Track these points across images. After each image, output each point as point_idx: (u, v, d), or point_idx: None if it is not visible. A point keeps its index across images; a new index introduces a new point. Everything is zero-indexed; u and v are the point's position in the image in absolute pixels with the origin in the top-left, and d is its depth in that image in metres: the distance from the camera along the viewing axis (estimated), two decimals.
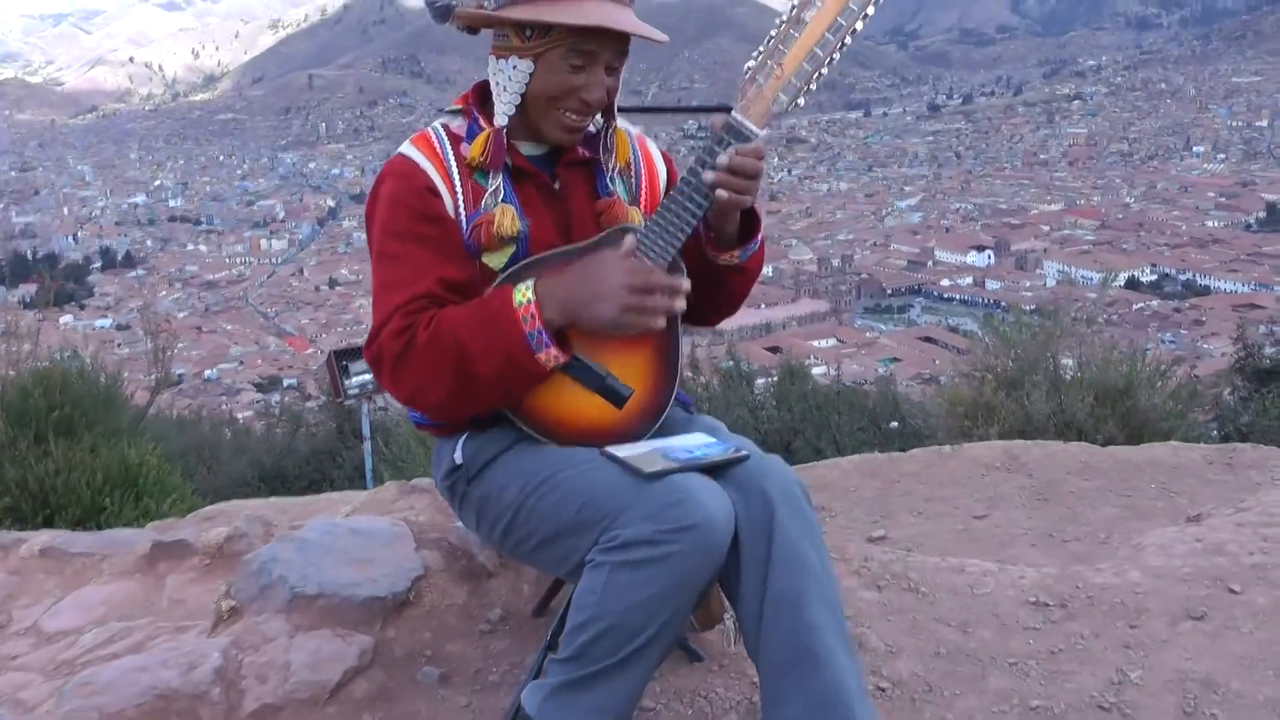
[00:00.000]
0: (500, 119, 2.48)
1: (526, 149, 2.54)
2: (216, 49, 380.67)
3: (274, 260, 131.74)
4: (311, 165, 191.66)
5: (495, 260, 2.45)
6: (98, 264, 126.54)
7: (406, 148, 2.52)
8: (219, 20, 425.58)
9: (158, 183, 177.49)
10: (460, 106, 2.59)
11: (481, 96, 2.58)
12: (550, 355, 2.31)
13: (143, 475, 7.13)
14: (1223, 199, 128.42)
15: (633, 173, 2.67)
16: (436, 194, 2.45)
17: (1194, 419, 7.76)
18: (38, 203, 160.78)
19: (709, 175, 2.31)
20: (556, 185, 2.55)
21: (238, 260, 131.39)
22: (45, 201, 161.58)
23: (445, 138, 2.53)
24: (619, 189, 2.61)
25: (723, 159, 2.30)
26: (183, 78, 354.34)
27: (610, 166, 2.61)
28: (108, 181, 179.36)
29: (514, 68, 2.44)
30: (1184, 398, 7.41)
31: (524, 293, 2.30)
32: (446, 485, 2.60)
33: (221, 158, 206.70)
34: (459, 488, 2.55)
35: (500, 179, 2.48)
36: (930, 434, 7.90)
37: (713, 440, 2.42)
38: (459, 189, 2.47)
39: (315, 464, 12.13)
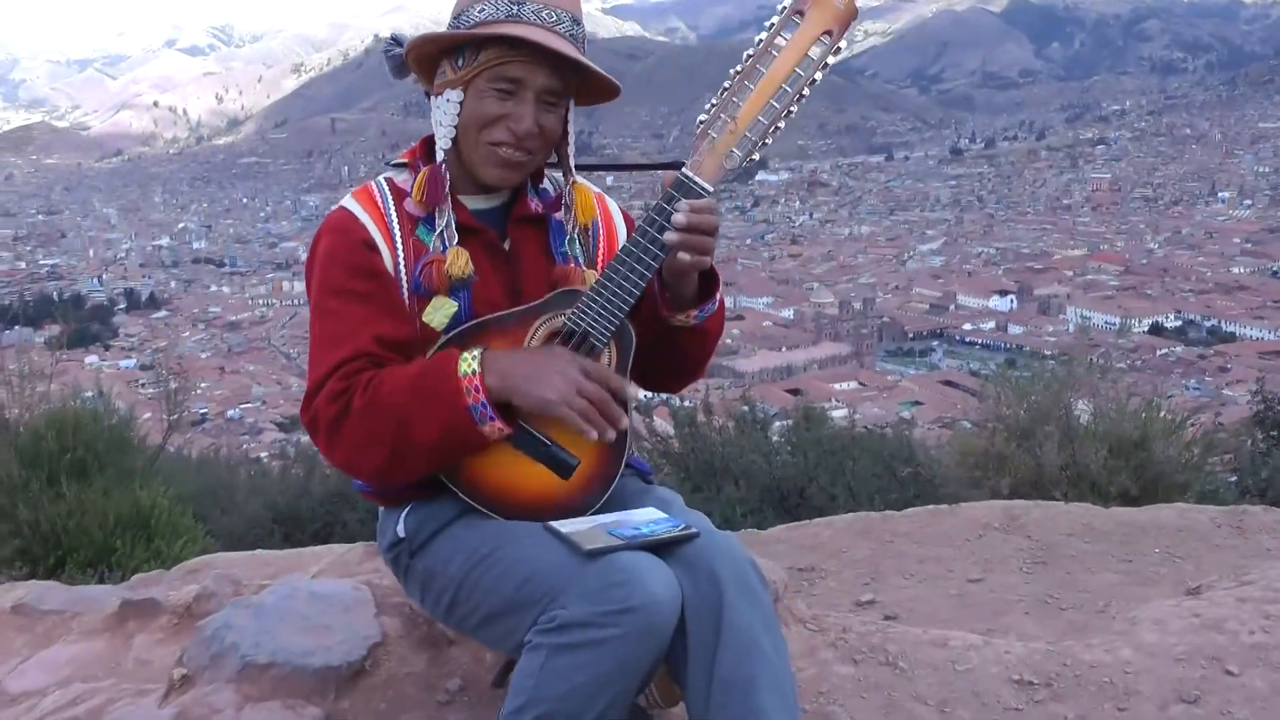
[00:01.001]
0: (438, 154, 2.42)
1: (473, 204, 2.46)
2: (240, 93, 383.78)
3: (296, 301, 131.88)
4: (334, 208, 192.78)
5: (436, 319, 2.36)
6: (122, 305, 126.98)
7: (347, 200, 2.46)
8: (243, 65, 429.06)
9: (182, 225, 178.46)
10: (406, 160, 2.51)
11: (428, 150, 2.50)
12: (494, 429, 2.23)
13: (155, 517, 7.15)
14: (1249, 245, 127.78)
15: (590, 234, 2.57)
16: (374, 248, 2.38)
17: (1211, 471, 7.62)
18: (64, 245, 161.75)
19: (670, 236, 2.23)
20: (506, 244, 2.47)
21: (260, 301, 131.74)
22: (71, 244, 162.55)
23: (388, 191, 2.46)
24: (576, 251, 2.51)
25: (679, 217, 2.22)
26: (207, 121, 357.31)
27: (570, 226, 2.51)
28: (132, 224, 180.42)
29: (447, 100, 2.38)
30: (1200, 449, 7.27)
31: (469, 363, 2.23)
32: (391, 557, 2.52)
33: (245, 200, 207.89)
34: (403, 560, 2.47)
35: (448, 218, 2.39)
36: (942, 483, 7.79)
37: (663, 516, 2.32)
38: (399, 244, 2.40)
39: (329, 506, 12.06)
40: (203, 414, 67.85)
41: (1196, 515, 4.66)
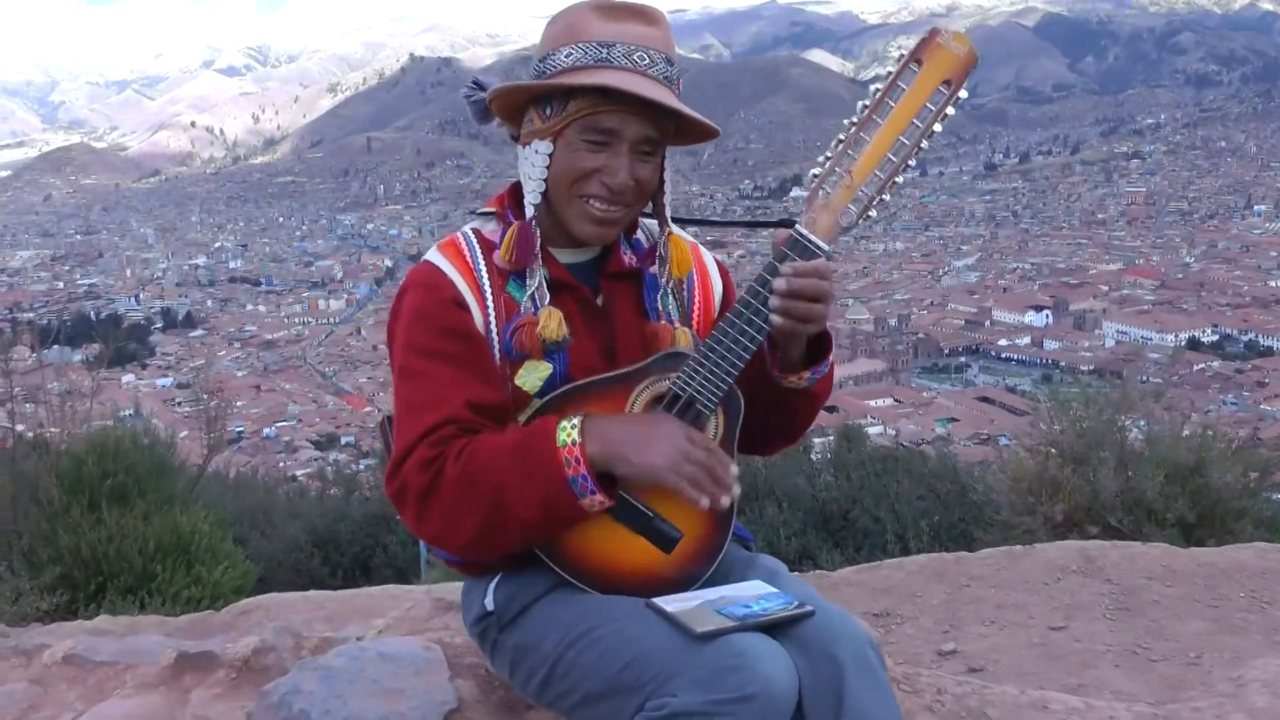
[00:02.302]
0: (527, 209, 2.28)
1: (565, 257, 2.33)
2: (276, 113, 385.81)
3: (332, 320, 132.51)
4: (369, 226, 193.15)
5: (529, 383, 2.23)
6: (159, 324, 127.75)
7: (433, 255, 2.32)
8: (279, 85, 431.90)
9: (218, 244, 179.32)
10: (494, 209, 2.38)
11: (516, 197, 2.37)
12: (595, 502, 2.09)
13: (195, 543, 7.14)
14: None
15: (685, 288, 2.43)
16: (464, 307, 2.25)
17: (1268, 498, 7.48)
18: (101, 265, 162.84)
19: (773, 301, 2.09)
20: (599, 300, 2.33)
21: (296, 320, 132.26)
22: (109, 264, 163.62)
23: (476, 244, 2.33)
24: (670, 307, 2.36)
25: (780, 283, 2.08)
26: (243, 141, 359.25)
27: (664, 280, 2.37)
28: (169, 243, 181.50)
29: (535, 151, 2.25)
30: (1259, 475, 7.13)
31: (569, 432, 2.09)
32: (477, 631, 2.38)
33: (281, 219, 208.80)
34: (490, 634, 2.33)
35: (540, 280, 2.25)
36: (994, 509, 7.66)
37: (773, 591, 2.18)
38: (490, 301, 2.27)
39: (368, 529, 12.04)
40: (239, 432, 68.18)
41: (1277, 555, 4.51)
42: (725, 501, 2.10)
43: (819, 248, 2.13)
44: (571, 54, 2.20)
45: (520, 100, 2.29)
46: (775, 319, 2.11)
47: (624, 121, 2.19)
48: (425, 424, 2.15)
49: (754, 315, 2.12)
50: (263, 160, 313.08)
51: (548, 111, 2.23)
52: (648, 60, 2.21)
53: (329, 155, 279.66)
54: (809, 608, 2.12)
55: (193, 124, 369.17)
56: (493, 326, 2.26)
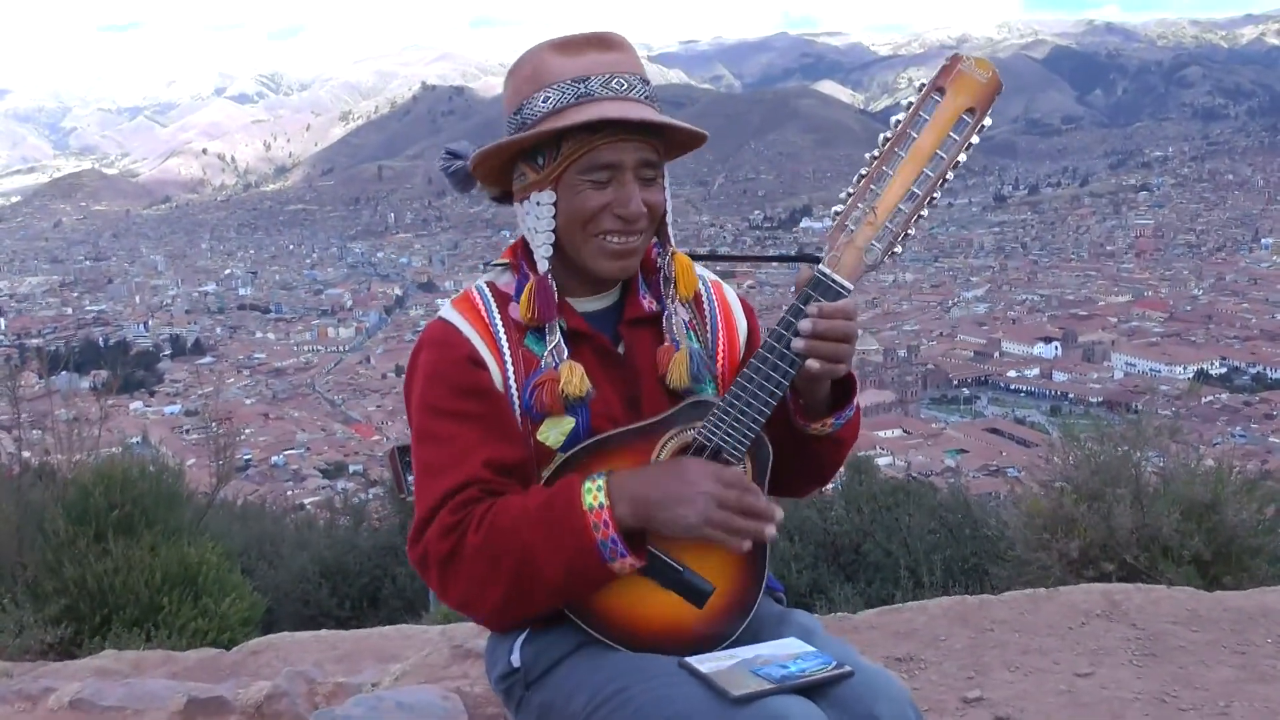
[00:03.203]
0: (541, 264, 2.20)
1: (582, 305, 2.26)
2: (288, 140, 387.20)
3: (341, 348, 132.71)
4: (380, 255, 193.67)
5: (552, 438, 2.16)
6: (168, 351, 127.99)
7: (446, 310, 2.26)
8: (290, 112, 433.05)
9: (228, 271, 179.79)
10: (508, 260, 2.31)
11: (529, 247, 2.29)
12: (625, 565, 2.03)
13: (202, 574, 7.12)
14: None
15: (708, 324, 2.36)
16: (481, 364, 2.19)
17: None
18: (110, 291, 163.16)
19: (797, 344, 2.03)
20: (620, 348, 2.27)
21: (305, 348, 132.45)
22: (118, 290, 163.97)
23: (491, 297, 2.27)
24: (690, 342, 2.28)
25: (806, 324, 2.02)
26: (255, 168, 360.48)
27: (670, 296, 2.29)
28: (179, 270, 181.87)
29: (537, 204, 2.18)
30: (1273, 509, 7.08)
31: (594, 494, 2.02)
32: (503, 688, 2.28)
33: (291, 247, 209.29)
34: (516, 692, 2.24)
35: (558, 335, 2.18)
36: (1009, 544, 7.60)
37: (809, 649, 2.10)
38: (507, 357, 2.20)
39: (376, 559, 12.01)
40: (247, 460, 68.13)
41: None
42: (770, 532, 2.05)
43: (843, 287, 2.07)
44: (549, 97, 2.15)
45: (506, 158, 2.23)
46: (811, 363, 2.06)
47: (621, 151, 2.13)
48: (445, 487, 2.09)
49: (779, 360, 2.06)
50: (274, 188, 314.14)
51: (539, 161, 2.17)
52: (625, 85, 2.16)
53: (340, 183, 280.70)
54: (848, 668, 2.04)
55: (204, 151, 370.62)
56: (511, 382, 2.20)
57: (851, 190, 2.06)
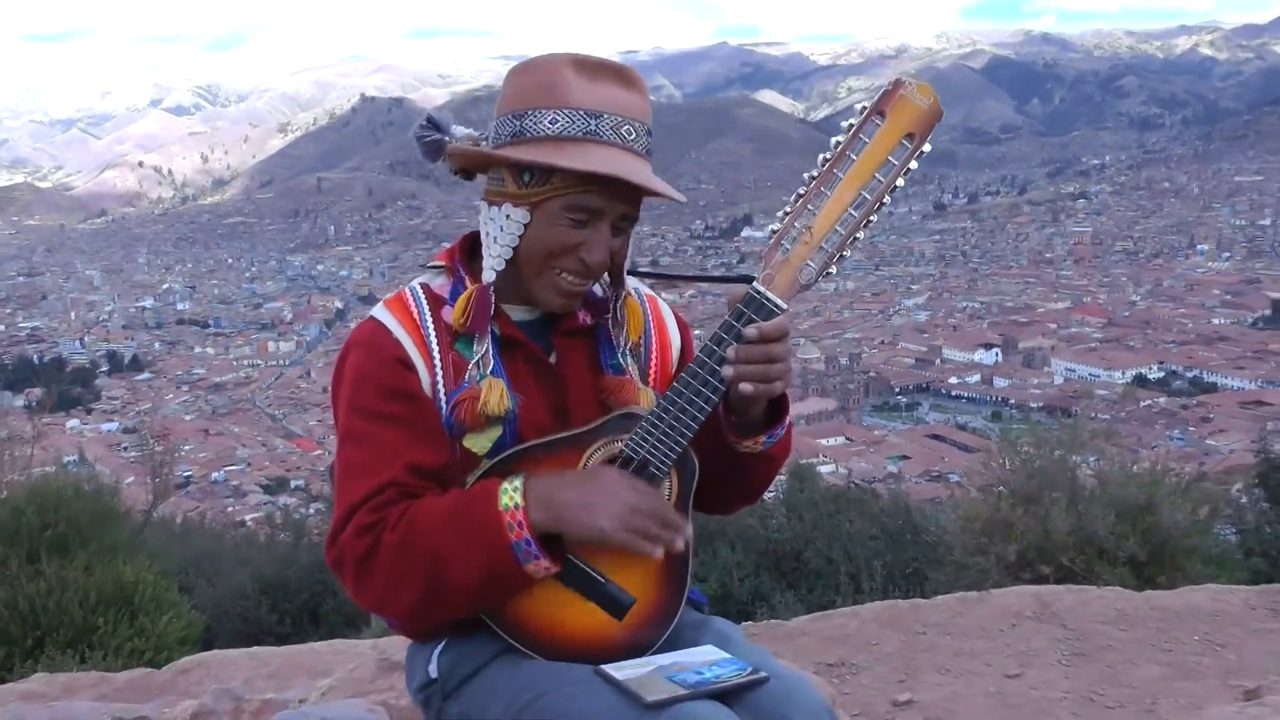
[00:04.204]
0: (488, 274, 2.17)
1: (517, 314, 2.24)
2: (226, 153, 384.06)
3: (282, 362, 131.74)
4: (320, 267, 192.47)
5: (478, 444, 2.14)
6: (105, 368, 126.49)
7: (379, 311, 2.22)
8: (228, 124, 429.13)
9: (166, 286, 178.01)
10: (444, 263, 2.28)
11: (469, 251, 2.28)
12: (539, 568, 2.02)
13: (138, 593, 7.02)
14: (1228, 296, 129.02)
15: (643, 346, 2.34)
16: (409, 367, 2.15)
17: (1215, 534, 7.53)
18: (45, 307, 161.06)
19: (729, 366, 2.03)
20: (552, 358, 2.25)
21: (245, 363, 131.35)
22: (52, 306, 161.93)
23: (424, 300, 2.23)
24: (628, 364, 2.28)
25: (743, 343, 2.02)
26: (192, 181, 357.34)
27: (621, 341, 2.29)
28: (116, 285, 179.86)
29: (507, 216, 2.14)
30: (1207, 513, 7.18)
31: (511, 495, 2.01)
32: (421, 698, 2.26)
33: (230, 260, 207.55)
34: (434, 702, 2.23)
35: (487, 346, 2.16)
36: (947, 549, 7.66)
37: (725, 656, 2.10)
38: (437, 361, 2.17)
39: (317, 575, 11.91)
40: (186, 477, 67.50)
41: (1229, 597, 4.50)
42: (679, 543, 2.05)
43: (777, 305, 2.06)
44: (556, 121, 2.10)
45: (490, 158, 2.20)
46: (744, 386, 2.05)
47: (610, 202, 2.11)
48: (364, 489, 2.06)
49: (709, 375, 2.05)
50: (212, 200, 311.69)
51: (526, 179, 2.13)
52: (633, 134, 2.13)
53: (279, 196, 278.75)
54: (763, 674, 2.04)
55: (140, 164, 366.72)
56: (440, 386, 2.17)
57: (789, 209, 2.06)
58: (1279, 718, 2.95)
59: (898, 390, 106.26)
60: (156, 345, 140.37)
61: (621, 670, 2.03)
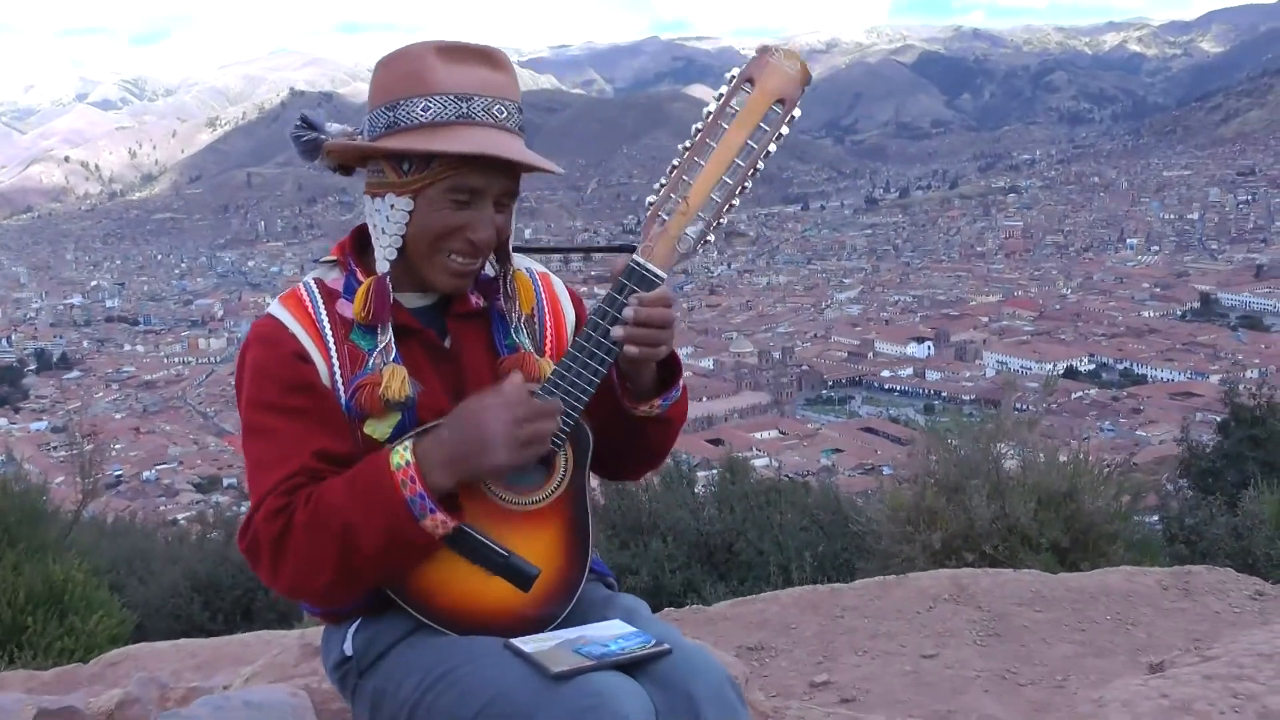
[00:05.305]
0: (381, 265, 2.22)
1: (410, 301, 2.29)
2: (154, 147, 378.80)
3: (213, 359, 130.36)
4: (250, 263, 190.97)
5: (379, 430, 2.19)
6: (33, 366, 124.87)
7: (274, 307, 2.27)
8: (156, 119, 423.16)
9: (94, 283, 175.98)
10: (335, 257, 2.33)
11: (359, 244, 2.33)
12: (436, 521, 2.06)
13: (68, 592, 6.97)
14: (1157, 289, 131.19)
15: (536, 320, 2.41)
16: (307, 360, 2.20)
17: (1139, 521, 7.67)
18: None
19: (616, 331, 2.11)
20: (446, 342, 2.30)
21: (176, 360, 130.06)
22: None
23: (318, 294, 2.27)
24: (523, 340, 2.34)
25: (627, 312, 2.10)
26: (120, 176, 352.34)
27: (514, 317, 2.35)
28: (43, 283, 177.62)
29: (391, 206, 2.19)
30: (1130, 499, 7.33)
31: (400, 454, 2.07)
32: (337, 677, 2.33)
33: (159, 257, 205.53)
34: (350, 680, 2.29)
35: (389, 335, 2.20)
36: (873, 538, 7.77)
37: (631, 630, 2.16)
38: (334, 353, 2.22)
39: (249, 572, 11.80)
40: (118, 476, 66.73)
41: (1143, 578, 4.63)
42: (559, 409, 2.13)
43: (656, 275, 2.13)
44: (429, 108, 2.15)
45: (367, 151, 2.24)
46: (630, 349, 2.13)
47: (489, 180, 2.16)
48: (274, 478, 2.11)
49: (595, 347, 2.13)
50: (140, 196, 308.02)
51: (405, 168, 2.18)
52: (505, 113, 2.18)
53: (208, 191, 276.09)
54: (666, 646, 2.10)
55: (67, 159, 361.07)
56: (338, 377, 2.21)
57: (664, 181, 2.12)
58: (1181, 689, 3.05)
59: (831, 384, 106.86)
60: (85, 343, 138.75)
61: (529, 643, 2.09)
